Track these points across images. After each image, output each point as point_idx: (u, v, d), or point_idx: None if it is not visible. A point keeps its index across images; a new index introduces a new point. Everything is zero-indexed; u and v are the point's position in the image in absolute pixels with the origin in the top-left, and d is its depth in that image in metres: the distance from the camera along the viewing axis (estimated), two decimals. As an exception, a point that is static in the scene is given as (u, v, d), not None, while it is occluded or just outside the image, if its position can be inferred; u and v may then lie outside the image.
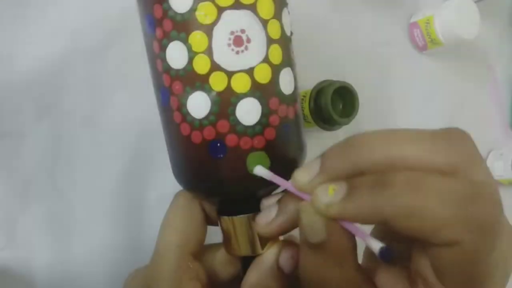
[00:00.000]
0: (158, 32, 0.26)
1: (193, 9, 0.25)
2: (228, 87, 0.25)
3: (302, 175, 0.23)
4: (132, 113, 0.37)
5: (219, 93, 0.25)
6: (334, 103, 0.42)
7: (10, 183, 0.35)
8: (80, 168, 0.37)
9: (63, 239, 0.36)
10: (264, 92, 0.26)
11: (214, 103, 0.25)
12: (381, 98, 0.53)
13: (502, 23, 0.63)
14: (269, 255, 0.27)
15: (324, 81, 0.43)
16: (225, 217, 0.28)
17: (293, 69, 0.28)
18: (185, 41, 0.25)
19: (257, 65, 0.26)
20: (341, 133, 0.50)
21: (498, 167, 0.57)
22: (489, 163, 0.58)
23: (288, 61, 0.28)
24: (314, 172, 0.22)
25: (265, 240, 0.28)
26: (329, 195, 0.21)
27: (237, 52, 0.25)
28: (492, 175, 0.21)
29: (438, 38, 0.53)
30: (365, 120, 0.50)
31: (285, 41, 0.27)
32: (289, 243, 0.27)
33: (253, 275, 0.27)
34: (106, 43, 0.37)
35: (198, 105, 0.26)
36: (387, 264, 0.25)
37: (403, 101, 0.54)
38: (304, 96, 0.44)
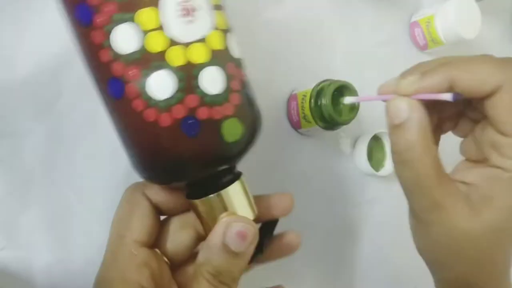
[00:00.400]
0: (98, 19, 0.24)
1: None
2: (188, 61, 0.24)
3: (387, 83, 0.28)
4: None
5: (180, 68, 0.24)
6: (334, 103, 0.42)
7: (10, 183, 0.35)
8: (80, 167, 0.37)
9: (63, 238, 0.36)
10: (221, 58, 0.26)
11: (178, 79, 0.24)
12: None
13: (503, 23, 0.63)
14: (214, 234, 0.27)
15: (324, 80, 0.43)
16: (197, 200, 0.28)
17: (233, 35, 0.28)
18: (132, 21, 0.24)
19: (209, 33, 0.25)
20: (341, 133, 0.50)
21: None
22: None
23: (229, 26, 0.27)
24: (395, 80, 0.28)
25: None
26: (410, 78, 0.27)
27: (188, 22, 0.24)
28: None
29: (439, 37, 0.52)
30: (365, 119, 0.50)
31: (223, 8, 0.27)
32: (237, 218, 0.28)
33: (201, 255, 0.27)
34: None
35: (161, 85, 0.24)
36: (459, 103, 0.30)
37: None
38: (304, 96, 0.44)
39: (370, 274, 0.51)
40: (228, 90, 0.26)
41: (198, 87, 0.25)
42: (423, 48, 0.56)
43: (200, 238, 0.31)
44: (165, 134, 0.25)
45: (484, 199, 0.27)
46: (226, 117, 0.25)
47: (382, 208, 0.51)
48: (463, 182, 0.28)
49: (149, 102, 0.24)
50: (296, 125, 0.47)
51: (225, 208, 0.28)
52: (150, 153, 0.26)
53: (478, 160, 0.29)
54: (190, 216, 0.30)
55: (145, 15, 0.23)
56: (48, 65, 0.37)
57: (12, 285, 0.35)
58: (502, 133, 0.26)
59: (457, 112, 0.30)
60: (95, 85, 0.26)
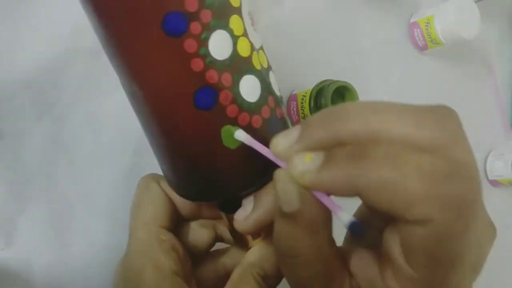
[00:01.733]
0: (194, 27, 0.23)
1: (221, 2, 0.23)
2: (262, 65, 0.25)
3: (281, 141, 0.22)
4: (132, 112, 0.37)
5: (260, 72, 0.25)
6: (334, 103, 0.42)
7: (10, 183, 0.35)
8: (80, 167, 0.37)
9: (63, 239, 0.36)
10: (267, 67, 0.27)
11: (261, 81, 0.25)
12: (381, 98, 0.53)
13: (502, 23, 0.63)
14: (251, 255, 0.27)
15: (324, 80, 0.43)
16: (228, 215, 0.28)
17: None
18: (227, 27, 0.23)
19: (261, 44, 0.27)
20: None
21: (498, 167, 0.57)
22: (489, 163, 0.58)
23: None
24: (293, 139, 0.22)
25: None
26: (306, 162, 0.20)
27: (255, 30, 0.25)
28: (473, 155, 0.20)
29: (438, 38, 0.53)
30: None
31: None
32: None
33: (253, 256, 0.27)
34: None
35: (251, 88, 0.24)
36: (358, 241, 0.24)
37: (403, 100, 0.54)
38: (304, 96, 0.44)
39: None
40: (266, 94, 0.26)
41: (271, 88, 0.26)
42: (422, 48, 0.56)
43: (218, 238, 0.30)
44: (260, 134, 0.25)
45: None
46: (284, 117, 0.27)
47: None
48: (355, 279, 0.24)
49: (243, 105, 0.24)
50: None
51: None
52: (249, 159, 0.25)
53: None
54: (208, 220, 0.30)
55: (235, 21, 0.24)
56: (48, 65, 0.37)
57: (12, 285, 0.35)
58: (408, 262, 0.20)
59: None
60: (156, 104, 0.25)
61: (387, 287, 0.22)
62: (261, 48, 0.26)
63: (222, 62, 0.23)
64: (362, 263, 0.24)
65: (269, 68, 0.26)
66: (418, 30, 0.54)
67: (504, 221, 0.60)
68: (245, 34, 0.24)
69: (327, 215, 0.22)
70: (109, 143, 0.38)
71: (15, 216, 0.35)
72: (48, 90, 0.37)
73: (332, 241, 0.23)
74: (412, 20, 0.56)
